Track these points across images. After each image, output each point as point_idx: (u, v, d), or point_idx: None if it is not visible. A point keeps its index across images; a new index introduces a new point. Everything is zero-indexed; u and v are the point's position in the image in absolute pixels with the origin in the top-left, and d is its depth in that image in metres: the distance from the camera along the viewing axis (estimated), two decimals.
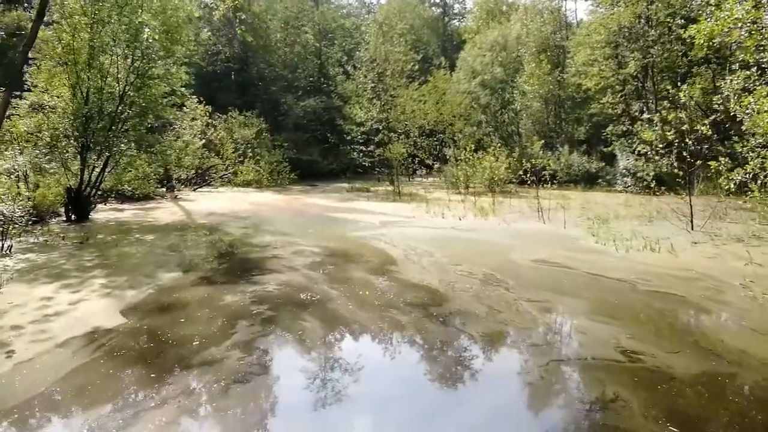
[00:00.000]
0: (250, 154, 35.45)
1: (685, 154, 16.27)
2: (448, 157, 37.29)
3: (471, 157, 24.73)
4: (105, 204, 25.13)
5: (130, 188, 25.03)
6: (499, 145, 25.67)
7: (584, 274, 11.05)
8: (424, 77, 40.47)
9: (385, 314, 8.78)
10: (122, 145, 19.38)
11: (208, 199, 28.49)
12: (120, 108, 19.80)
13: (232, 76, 46.04)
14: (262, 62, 46.99)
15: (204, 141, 34.85)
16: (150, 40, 19.42)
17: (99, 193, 23.71)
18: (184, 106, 26.39)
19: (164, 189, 31.00)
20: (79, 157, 19.94)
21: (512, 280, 10.77)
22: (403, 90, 36.49)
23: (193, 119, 34.94)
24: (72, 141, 19.76)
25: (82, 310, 8.95)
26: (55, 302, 9.38)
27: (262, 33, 47.40)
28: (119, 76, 19.96)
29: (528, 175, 20.20)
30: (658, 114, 18.55)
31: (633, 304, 9.13)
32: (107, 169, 20.97)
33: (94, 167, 20.05)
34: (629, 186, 28.44)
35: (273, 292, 10.00)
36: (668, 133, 16.44)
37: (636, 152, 29.82)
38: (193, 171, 34.27)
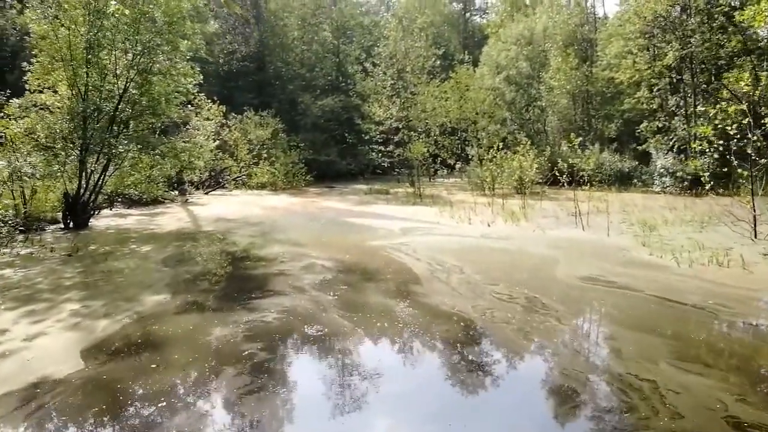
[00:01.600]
0: (265, 156, 33.70)
1: (749, 150, 14.09)
2: (470, 157, 35.32)
3: (499, 157, 22.70)
4: (111, 209, 23.55)
5: (136, 192, 23.41)
6: (528, 143, 23.59)
7: (649, 298, 9.00)
8: (445, 74, 38.45)
9: (408, 361, 6.88)
10: (122, 147, 17.60)
11: (220, 202, 26.81)
12: (120, 107, 18.12)
13: (249, 76, 44.39)
14: (279, 61, 45.31)
15: (218, 142, 33.25)
16: (152, 32, 17.71)
17: (100, 198, 22.18)
18: (191, 104, 24.62)
19: (175, 192, 29.42)
20: (77, 160, 18.27)
21: (562, 305, 8.78)
22: (424, 87, 34.48)
23: (207, 119, 33.37)
24: (69, 143, 18.09)
25: (37, 350, 7.17)
26: (7, 337, 7.63)
27: (279, 31, 45.77)
28: (119, 72, 18.25)
29: (564, 175, 18.07)
30: (712, 106, 16.28)
31: (725, 342, 7.12)
32: (108, 173, 19.29)
33: (93, 171, 18.37)
34: (668, 186, 26.16)
35: (272, 324, 8.13)
36: (729, 128, 14.23)
37: (675, 150, 27.79)
38: (206, 173, 32.69)
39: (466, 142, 34.66)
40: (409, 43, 34.27)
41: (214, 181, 33.42)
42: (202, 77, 31.44)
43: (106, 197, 23.73)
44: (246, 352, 7.02)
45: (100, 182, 19.01)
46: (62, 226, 18.48)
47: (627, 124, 34.65)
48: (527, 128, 36.76)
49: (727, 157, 14.78)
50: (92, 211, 19.30)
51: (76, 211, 18.43)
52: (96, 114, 17.80)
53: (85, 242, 15.69)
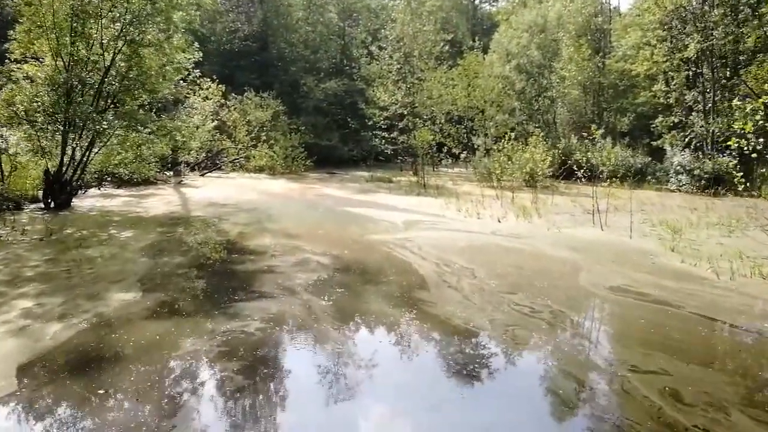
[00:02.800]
0: (264, 138, 32.21)
1: None
2: (476, 147, 33.90)
3: (509, 148, 21.30)
4: (99, 188, 22.20)
5: (126, 172, 22.03)
6: (542, 134, 22.17)
7: (693, 318, 7.67)
8: (452, 61, 36.92)
9: (415, 394, 5.57)
10: (105, 123, 16.15)
11: (215, 185, 25.43)
12: (106, 80, 16.68)
13: (251, 55, 42.76)
14: (283, 41, 43.65)
15: (216, 122, 31.80)
16: (143, 0, 16.24)
17: (88, 176, 20.84)
18: (188, 82, 23.11)
19: (169, 173, 28.04)
20: (59, 135, 16.88)
21: (595, 325, 7.47)
22: (431, 73, 32.97)
23: (206, 99, 31.90)
24: (51, 117, 16.68)
25: None
26: None
27: (283, 11, 44.08)
28: (105, 42, 16.77)
29: (582, 170, 16.70)
30: (743, 100, 14.88)
31: None
32: (93, 151, 17.90)
33: (77, 148, 16.97)
34: (683, 185, 24.77)
35: (254, 336, 6.81)
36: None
37: (693, 147, 26.38)
38: (203, 154, 31.28)
39: (473, 132, 33.23)
40: (418, 27, 32.69)
41: (210, 163, 32.01)
42: (201, 55, 30.31)
43: (95, 176, 22.42)
44: (219, 376, 5.71)
45: (84, 160, 17.63)
46: (42, 205, 17.13)
47: (639, 119, 33.20)
48: (536, 119, 35.29)
49: (750, 155, 13.42)
50: (75, 191, 17.95)
51: (58, 190, 17.08)
52: (80, 87, 16.38)
53: (62, 225, 14.36)
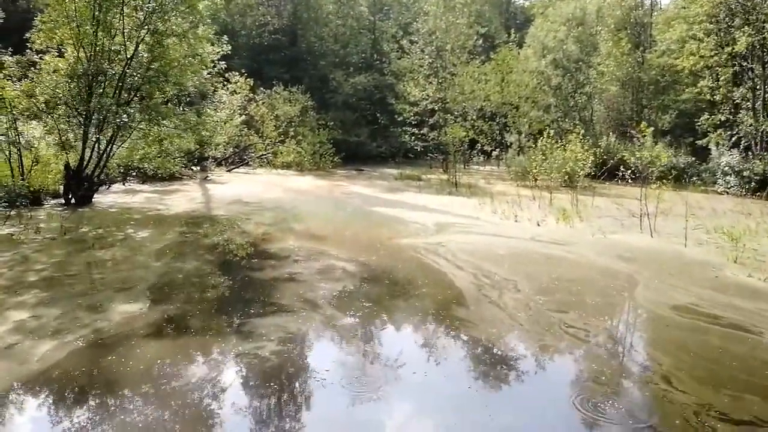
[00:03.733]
0: (292, 134, 31.35)
1: None
2: (509, 144, 32.59)
3: (548, 145, 20.02)
4: (123, 184, 21.59)
5: (150, 167, 21.36)
6: (581, 132, 20.81)
7: None
8: (485, 56, 35.60)
9: None
10: (127, 116, 15.40)
11: (241, 182, 24.66)
12: (128, 71, 15.94)
13: (280, 50, 41.99)
14: (313, 35, 42.79)
15: (244, 117, 31.08)
16: None
17: (113, 171, 20.25)
18: (216, 75, 22.31)
19: (196, 168, 27.39)
20: (80, 129, 16.23)
21: (664, 355, 6.36)
22: (464, 67, 31.72)
23: (234, 92, 31.20)
24: (72, 109, 16.02)
25: None
26: None
27: (313, 4, 43.22)
28: (128, 32, 16.02)
29: (629, 171, 15.42)
30: None
31: None
32: (115, 145, 17.21)
33: (98, 141, 16.28)
34: (732, 186, 23.20)
35: (268, 362, 5.87)
36: None
37: (742, 146, 24.77)
38: (230, 149, 30.58)
39: (507, 128, 31.91)
40: (451, 20, 31.45)
41: (237, 158, 31.31)
42: (230, 48, 29.61)
43: (120, 171, 21.84)
44: (224, 416, 4.77)
45: (106, 155, 16.97)
46: (63, 201, 16.51)
47: (681, 116, 31.49)
48: (572, 116, 33.81)
49: None
50: (97, 186, 17.30)
51: (78, 186, 16.44)
52: (101, 78, 15.69)
53: (79, 222, 13.66)
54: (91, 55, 15.71)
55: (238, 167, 30.33)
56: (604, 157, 21.68)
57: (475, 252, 11.34)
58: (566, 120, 33.27)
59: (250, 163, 30.97)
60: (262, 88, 34.30)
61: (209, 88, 21.87)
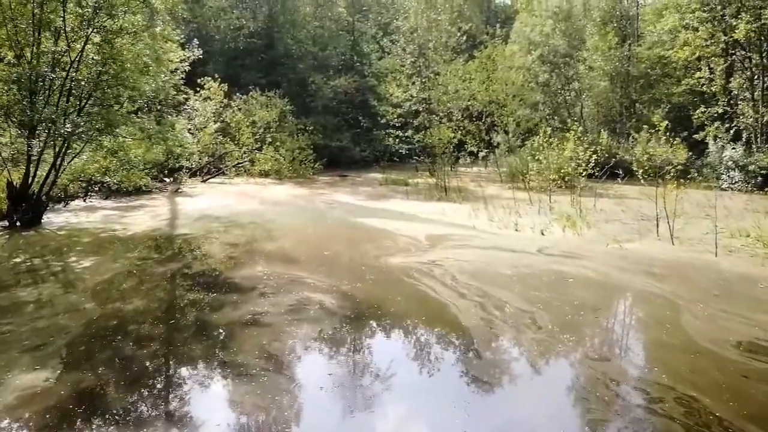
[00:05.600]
0: (270, 140, 29.21)
1: None
2: (496, 144, 30.79)
3: (544, 144, 18.19)
4: (85, 200, 19.41)
5: (114, 181, 19.24)
6: (579, 129, 19.02)
7: None
8: (468, 54, 33.78)
9: None
10: (69, 125, 13.28)
11: (214, 193, 22.53)
12: (72, 74, 13.84)
13: (257, 54, 39.82)
14: (290, 38, 40.59)
15: (219, 125, 28.96)
16: None
17: (74, 187, 18.18)
18: (180, 80, 20.21)
19: (169, 180, 25.22)
20: (23, 142, 14.14)
21: (757, 428, 4.49)
22: (447, 66, 29.85)
23: (207, 99, 29.11)
24: (10, 119, 13.91)
25: None
26: None
27: (289, 6, 41.13)
28: (70, 31, 13.94)
29: (642, 171, 13.61)
30: None
31: None
32: (67, 158, 15.12)
33: (40, 155, 14.17)
34: (736, 182, 21.56)
35: None
36: None
37: (744, 139, 23.16)
38: (206, 159, 28.42)
39: (495, 128, 30.11)
40: (432, 17, 29.60)
41: (213, 168, 29.14)
42: (202, 52, 27.58)
43: (82, 186, 19.70)
44: None
45: (55, 170, 14.86)
46: (7, 224, 14.37)
47: (674, 110, 29.86)
48: (561, 113, 32.10)
49: None
50: (45, 206, 15.15)
51: (24, 206, 14.32)
52: (43, 84, 13.61)
53: (14, 250, 11.56)
54: (32, 58, 13.61)
55: (213, 177, 28.17)
56: (606, 155, 19.97)
57: (478, 273, 9.43)
58: (555, 117, 31.56)
59: (227, 172, 28.82)
60: (238, 94, 32.20)
61: (173, 94, 19.62)
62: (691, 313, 7.22)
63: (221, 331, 6.88)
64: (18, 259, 10.77)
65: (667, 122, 13.48)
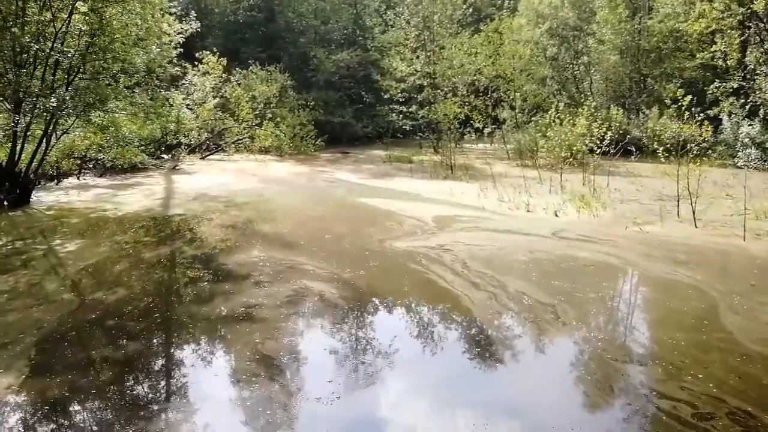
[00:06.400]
0: (270, 116, 28.26)
1: None
2: (503, 120, 29.85)
3: (559, 120, 17.32)
4: (79, 178, 18.64)
5: (108, 158, 18.46)
6: (593, 104, 18.15)
7: None
8: (474, 27, 32.63)
9: None
10: (56, 100, 12.45)
11: (213, 171, 21.73)
12: (56, 46, 12.95)
13: (257, 27, 38.62)
14: (291, 11, 39.33)
15: (218, 100, 28.02)
16: None
17: (68, 164, 17.45)
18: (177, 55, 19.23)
19: (167, 157, 24.37)
20: (8, 118, 13.35)
21: None
22: (452, 39, 28.78)
23: (206, 74, 28.13)
24: None
25: None
26: None
27: None
28: (53, 0, 13.03)
29: (663, 149, 12.75)
30: None
31: None
32: (56, 134, 14.35)
33: (26, 131, 13.37)
34: (753, 160, 20.68)
35: None
36: None
37: (762, 115, 22.22)
38: (205, 135, 27.53)
39: (502, 103, 29.15)
40: None
41: (213, 145, 28.25)
42: (199, 25, 26.51)
43: (77, 162, 18.93)
44: None
45: (45, 146, 14.11)
46: None
47: (686, 85, 28.81)
48: (569, 89, 31.07)
49: None
50: (33, 184, 14.41)
51: (13, 184, 13.60)
52: (27, 56, 12.76)
53: None
54: (14, 26, 12.72)
55: (212, 154, 27.33)
56: (619, 132, 19.06)
57: (491, 259, 8.70)
58: (563, 93, 30.55)
59: (226, 149, 27.96)
60: (237, 68, 31.18)
61: (169, 67, 18.52)
62: (729, 307, 6.50)
63: (209, 327, 6.17)
64: (0, 242, 10.06)
65: (691, 96, 12.52)
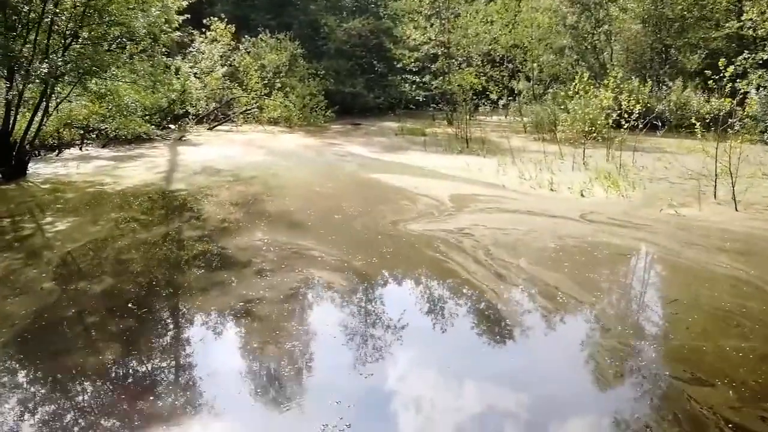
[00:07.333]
0: (279, 85, 27.16)
1: None
2: (518, 92, 28.60)
3: (582, 92, 16.20)
4: (81, 148, 17.84)
5: (111, 128, 17.58)
6: (619, 75, 17.04)
7: None
8: None
9: None
10: (46, 66, 11.54)
11: (219, 143, 20.81)
12: (51, 8, 12.00)
13: None
14: None
15: (226, 69, 26.94)
16: None
17: (69, 133, 16.68)
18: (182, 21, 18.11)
19: (174, 127, 23.46)
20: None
21: None
22: (468, 6, 27.43)
23: (214, 41, 27.01)
24: None
25: None
26: None
27: None
28: None
29: (701, 124, 11.70)
30: None
31: None
32: (51, 104, 13.49)
33: (19, 98, 12.52)
34: None
35: None
36: None
37: None
38: (213, 105, 26.56)
39: (518, 74, 27.92)
40: None
41: (221, 115, 27.28)
42: None
43: (80, 133, 18.12)
44: None
45: (42, 115, 13.27)
46: None
47: (712, 56, 27.37)
48: (587, 59, 29.64)
49: None
50: (28, 155, 13.62)
51: (7, 156, 12.81)
52: (19, 18, 11.83)
53: None
54: None
55: (220, 124, 26.38)
56: (647, 104, 17.88)
57: (516, 246, 7.83)
58: (582, 63, 29.14)
59: (234, 119, 26.99)
60: (246, 36, 30.00)
61: (173, 33, 17.38)
62: None
63: (202, 327, 5.39)
64: None
65: (735, 65, 11.43)
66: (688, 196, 10.89)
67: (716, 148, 11.06)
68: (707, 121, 11.98)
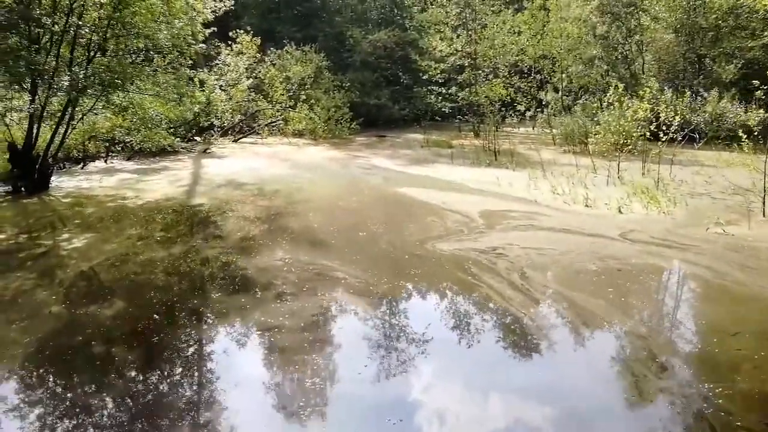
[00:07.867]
0: (304, 97, 26.91)
1: None
2: (546, 103, 27.91)
3: (617, 104, 15.55)
4: (106, 161, 17.74)
5: (136, 141, 17.42)
6: (655, 87, 16.37)
7: None
8: (518, 4, 30.61)
9: None
10: (70, 79, 11.36)
11: (244, 155, 20.59)
12: (75, 20, 11.83)
13: (293, 6, 37.26)
14: None
15: (252, 81, 26.79)
16: None
17: (94, 146, 16.57)
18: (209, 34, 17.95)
19: (199, 139, 23.34)
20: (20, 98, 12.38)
21: None
22: (495, 17, 26.96)
23: (240, 53, 26.91)
24: (10, 72, 12.06)
25: None
26: None
27: None
28: None
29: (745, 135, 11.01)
30: None
31: None
32: (75, 117, 13.34)
33: (42, 111, 12.36)
34: None
35: None
36: None
37: None
38: (238, 117, 26.41)
39: (546, 84, 27.28)
40: None
41: (246, 127, 27.13)
42: (233, 3, 25.21)
43: (105, 145, 18.05)
44: None
45: (66, 128, 13.13)
46: (10, 188, 12.75)
47: (749, 66, 26.38)
48: (618, 70, 28.85)
49: None
50: (51, 168, 13.45)
51: (29, 169, 12.66)
52: (43, 31, 11.68)
53: (2, 223, 9.85)
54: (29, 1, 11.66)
55: (245, 137, 26.22)
56: (683, 117, 17.07)
57: (554, 268, 7.25)
58: (612, 74, 28.36)
59: (259, 131, 26.79)
60: (272, 48, 29.90)
61: (194, 45, 17.10)
62: None
63: (217, 360, 4.94)
64: (2, 236, 9.04)
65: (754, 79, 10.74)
66: (734, 213, 10.16)
67: (765, 162, 10.32)
68: (755, 133, 11.21)
